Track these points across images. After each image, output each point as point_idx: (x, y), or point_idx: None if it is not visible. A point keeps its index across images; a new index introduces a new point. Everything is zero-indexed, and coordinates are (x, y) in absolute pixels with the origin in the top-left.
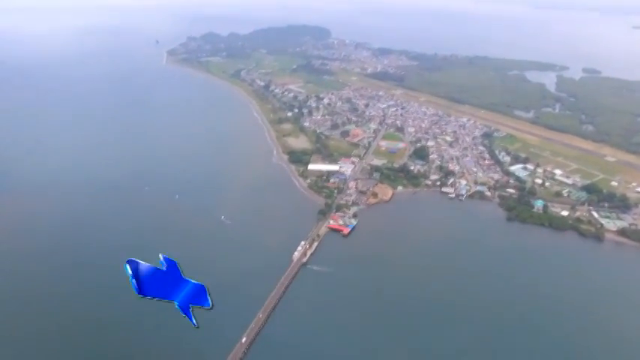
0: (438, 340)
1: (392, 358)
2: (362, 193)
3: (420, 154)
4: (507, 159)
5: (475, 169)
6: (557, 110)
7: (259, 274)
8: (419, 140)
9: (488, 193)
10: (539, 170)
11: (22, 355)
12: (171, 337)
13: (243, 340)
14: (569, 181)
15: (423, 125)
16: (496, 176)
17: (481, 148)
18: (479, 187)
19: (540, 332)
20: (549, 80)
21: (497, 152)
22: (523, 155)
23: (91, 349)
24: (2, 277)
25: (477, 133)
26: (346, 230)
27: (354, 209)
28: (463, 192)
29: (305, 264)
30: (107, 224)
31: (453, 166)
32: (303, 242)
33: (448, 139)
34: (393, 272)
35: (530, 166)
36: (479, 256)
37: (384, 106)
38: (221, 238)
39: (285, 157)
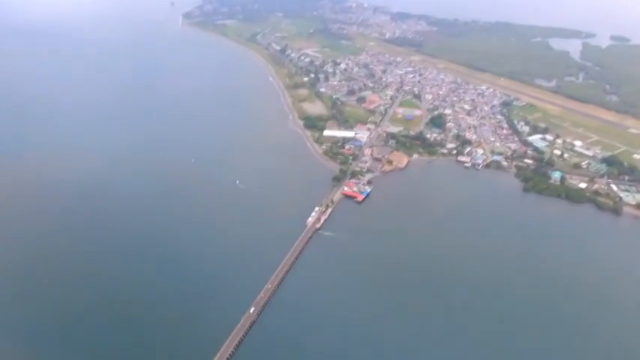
0: (445, 308)
1: (402, 324)
2: (377, 160)
3: (437, 122)
4: (526, 129)
5: (492, 139)
6: (580, 80)
7: (273, 239)
8: (436, 108)
9: (504, 163)
10: (559, 141)
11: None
12: (184, 300)
13: (251, 310)
14: (589, 153)
15: (441, 92)
16: (514, 146)
17: (499, 117)
18: (495, 157)
19: (551, 302)
20: (574, 48)
21: (515, 122)
22: (542, 125)
23: (104, 310)
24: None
25: (496, 101)
26: (360, 197)
27: (368, 176)
28: (479, 161)
29: (319, 230)
30: (123, 187)
31: (470, 135)
32: (317, 208)
33: (466, 107)
34: (406, 240)
35: (549, 137)
36: (493, 227)
37: (402, 72)
38: (236, 202)
39: (301, 122)
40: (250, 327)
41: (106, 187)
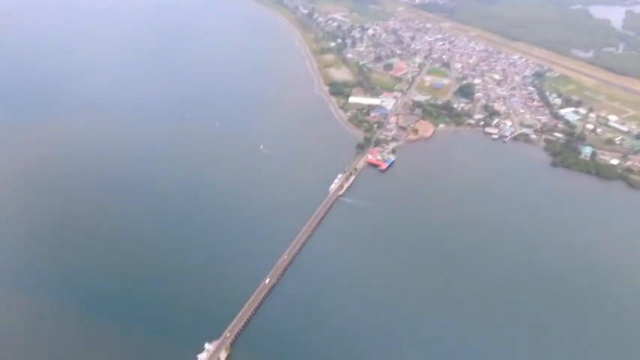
0: (464, 277)
1: (422, 293)
2: (402, 128)
3: (465, 91)
4: (558, 101)
5: (522, 111)
6: (620, 50)
7: (296, 204)
8: (465, 77)
9: (533, 136)
10: (592, 115)
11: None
12: (204, 265)
13: (267, 280)
14: (624, 128)
15: (471, 61)
16: (544, 119)
17: (531, 88)
18: (524, 130)
19: (573, 279)
20: (616, 16)
21: (547, 94)
22: (576, 98)
23: (126, 269)
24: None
25: (528, 72)
26: (384, 165)
27: (393, 145)
28: (507, 133)
29: (341, 197)
30: (147, 147)
31: (499, 106)
32: (340, 175)
33: (496, 77)
34: (428, 210)
35: (582, 110)
36: (518, 200)
37: (431, 39)
38: (259, 167)
39: (326, 88)
40: (269, 292)
41: (131, 147)
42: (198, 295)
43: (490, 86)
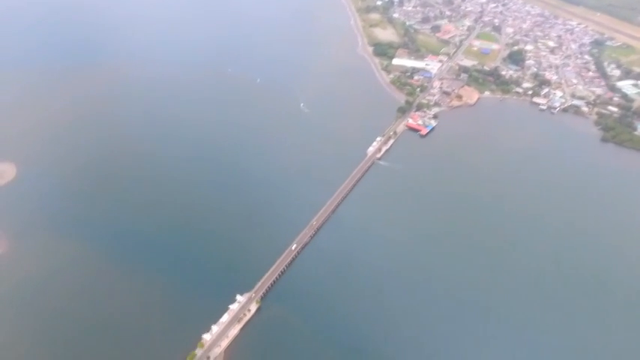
0: (491, 242)
1: (452, 254)
2: (446, 94)
3: (515, 58)
4: (616, 73)
5: (575, 81)
6: None
7: (333, 165)
8: (516, 43)
9: (585, 109)
10: None
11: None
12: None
13: (294, 246)
14: None
15: (524, 26)
16: (598, 91)
17: (587, 57)
18: (575, 101)
19: (614, 257)
20: None
21: (605, 64)
22: (638, 70)
23: (169, 223)
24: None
25: (586, 40)
26: (424, 131)
27: (435, 110)
28: (556, 104)
29: (378, 160)
30: (191, 100)
31: (550, 75)
32: (379, 138)
33: (550, 44)
34: (466, 178)
35: None
36: (561, 174)
37: (483, 0)
38: (298, 125)
39: (370, 48)
40: (300, 251)
41: (176, 97)
42: (233, 251)
43: (543, 54)
